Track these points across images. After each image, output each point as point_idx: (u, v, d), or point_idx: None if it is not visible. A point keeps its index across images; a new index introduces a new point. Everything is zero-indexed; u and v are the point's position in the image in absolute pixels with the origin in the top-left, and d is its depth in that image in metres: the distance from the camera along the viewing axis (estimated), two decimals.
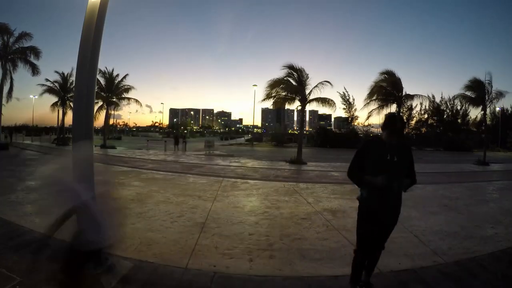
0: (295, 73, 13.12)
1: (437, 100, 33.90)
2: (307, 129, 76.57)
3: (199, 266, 2.70)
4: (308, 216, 4.43)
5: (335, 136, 32.32)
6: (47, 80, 21.38)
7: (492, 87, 14.87)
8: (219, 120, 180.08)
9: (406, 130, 32.83)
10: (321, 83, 13.06)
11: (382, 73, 13.89)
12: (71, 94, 20.29)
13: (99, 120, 20.05)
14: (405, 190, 2.12)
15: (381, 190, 2.01)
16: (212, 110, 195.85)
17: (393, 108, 16.02)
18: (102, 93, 19.04)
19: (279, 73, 13.27)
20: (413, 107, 31.63)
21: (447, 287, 2.41)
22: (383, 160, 2.02)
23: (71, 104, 18.96)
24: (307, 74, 13.10)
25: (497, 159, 17.35)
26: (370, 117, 15.42)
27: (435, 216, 4.60)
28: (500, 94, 14.76)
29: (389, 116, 2.15)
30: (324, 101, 13.23)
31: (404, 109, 28.70)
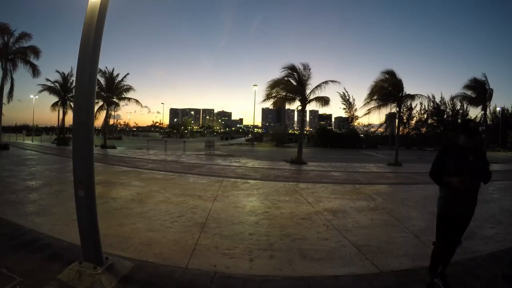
0: (295, 73, 13.11)
1: (437, 100, 33.92)
2: (307, 129, 76.73)
3: (200, 266, 2.70)
4: (308, 216, 4.43)
5: (336, 136, 32.35)
6: (47, 80, 21.39)
7: (489, 86, 14.93)
8: (220, 120, 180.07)
9: (412, 132, 33.05)
10: (324, 82, 13.06)
11: (383, 73, 13.83)
12: (71, 94, 20.30)
13: (99, 120, 20.05)
14: (478, 186, 2.32)
15: (457, 189, 2.22)
16: (213, 110, 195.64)
17: (392, 108, 15.98)
18: (102, 93, 19.03)
19: (279, 72, 13.27)
20: (413, 107, 31.63)
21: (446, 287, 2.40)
22: (461, 162, 2.23)
23: (72, 104, 18.94)
24: (307, 74, 13.11)
25: (497, 159, 17.33)
26: (367, 114, 15.20)
27: (435, 216, 4.58)
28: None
29: (464, 123, 2.49)
30: (321, 99, 13.23)
31: (404, 109, 28.68)
